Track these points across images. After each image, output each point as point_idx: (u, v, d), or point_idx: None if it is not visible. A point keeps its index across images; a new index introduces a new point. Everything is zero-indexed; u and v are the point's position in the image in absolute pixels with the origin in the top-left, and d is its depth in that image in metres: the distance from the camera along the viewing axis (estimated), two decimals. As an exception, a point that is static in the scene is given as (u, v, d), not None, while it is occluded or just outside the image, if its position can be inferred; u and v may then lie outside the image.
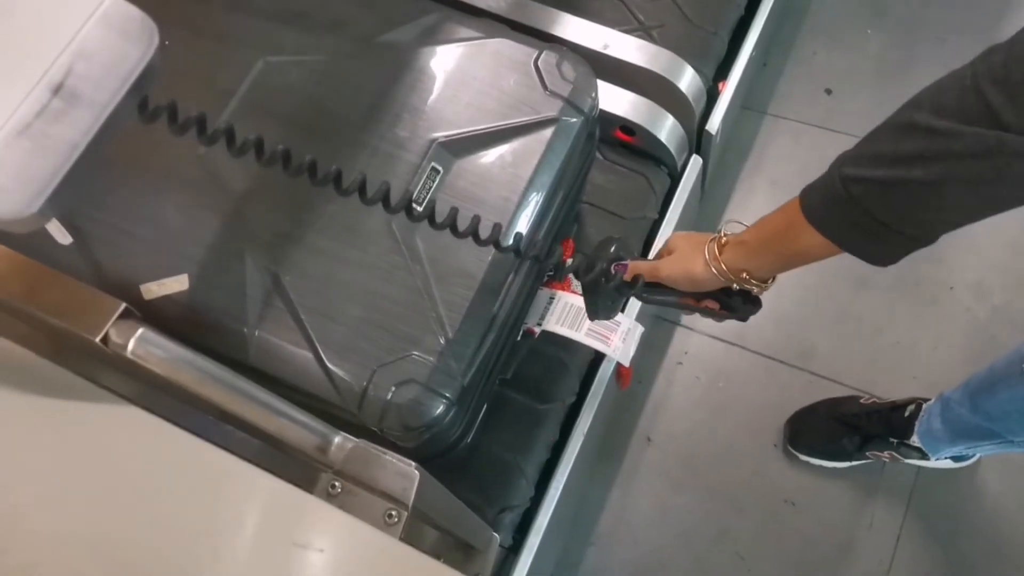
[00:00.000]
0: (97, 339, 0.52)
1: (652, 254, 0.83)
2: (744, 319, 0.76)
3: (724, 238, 0.73)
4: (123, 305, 0.53)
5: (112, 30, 0.34)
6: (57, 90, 0.33)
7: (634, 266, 0.77)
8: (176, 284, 0.76)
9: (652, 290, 0.77)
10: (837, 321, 1.37)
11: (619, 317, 0.91)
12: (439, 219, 0.63)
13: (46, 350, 0.52)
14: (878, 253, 0.59)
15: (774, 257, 0.68)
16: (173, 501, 0.50)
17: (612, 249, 0.77)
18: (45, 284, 0.54)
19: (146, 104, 0.38)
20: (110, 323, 0.53)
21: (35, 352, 0.52)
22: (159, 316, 0.77)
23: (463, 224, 0.64)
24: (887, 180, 0.54)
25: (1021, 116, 0.47)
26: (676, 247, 0.77)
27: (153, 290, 0.77)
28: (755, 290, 0.73)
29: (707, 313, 0.77)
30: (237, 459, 0.53)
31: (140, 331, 0.53)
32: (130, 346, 0.52)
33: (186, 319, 0.78)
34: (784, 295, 1.38)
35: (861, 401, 1.28)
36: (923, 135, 0.52)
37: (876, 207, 0.55)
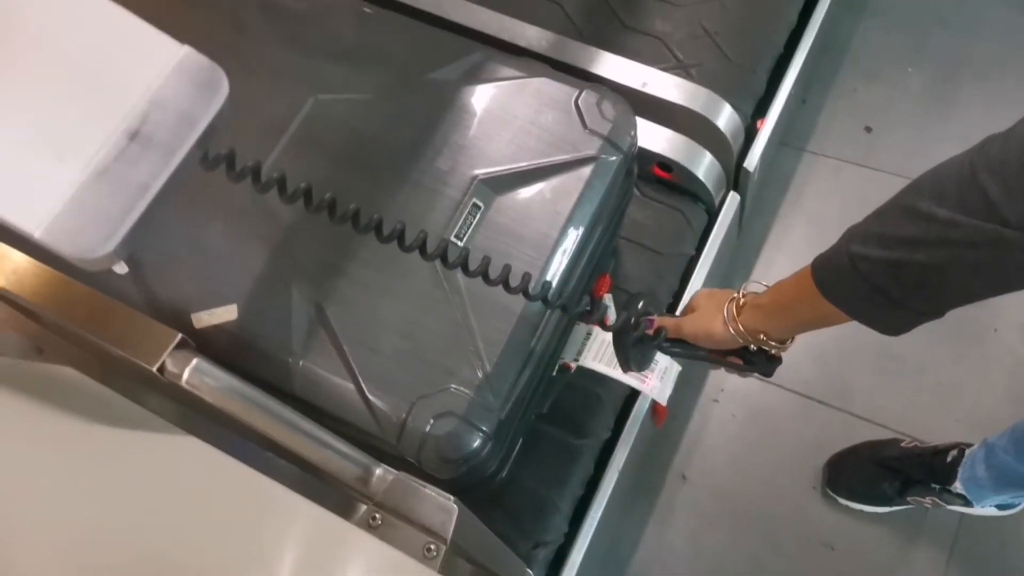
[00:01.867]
0: (154, 368, 0.54)
1: (685, 297, 0.85)
2: (767, 375, 0.78)
3: (743, 299, 0.75)
4: (179, 336, 0.55)
5: (185, 79, 0.36)
6: (134, 136, 0.35)
7: (660, 321, 0.80)
8: (225, 314, 0.79)
9: (677, 345, 0.80)
10: (877, 360, 1.35)
11: (657, 356, 0.91)
12: (472, 267, 0.65)
13: (97, 374, 0.55)
14: (888, 325, 0.61)
15: (789, 321, 0.71)
16: (219, 525, 0.51)
17: (640, 304, 0.79)
18: (106, 313, 0.56)
19: (207, 154, 0.40)
20: (167, 353, 0.55)
21: (92, 377, 0.54)
22: (209, 344, 0.79)
23: (494, 273, 0.66)
24: (892, 261, 0.56)
25: (1018, 209, 0.49)
26: (699, 305, 0.80)
27: (204, 319, 0.79)
28: (773, 350, 0.75)
29: (731, 368, 0.80)
30: (281, 486, 0.54)
31: (195, 361, 0.55)
32: (185, 375, 0.54)
33: (234, 348, 0.80)
34: (823, 332, 1.36)
35: (902, 444, 1.26)
36: (925, 221, 0.54)
37: (883, 285, 0.58)
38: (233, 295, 0.81)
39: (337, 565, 0.49)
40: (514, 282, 0.68)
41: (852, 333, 1.39)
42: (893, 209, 0.58)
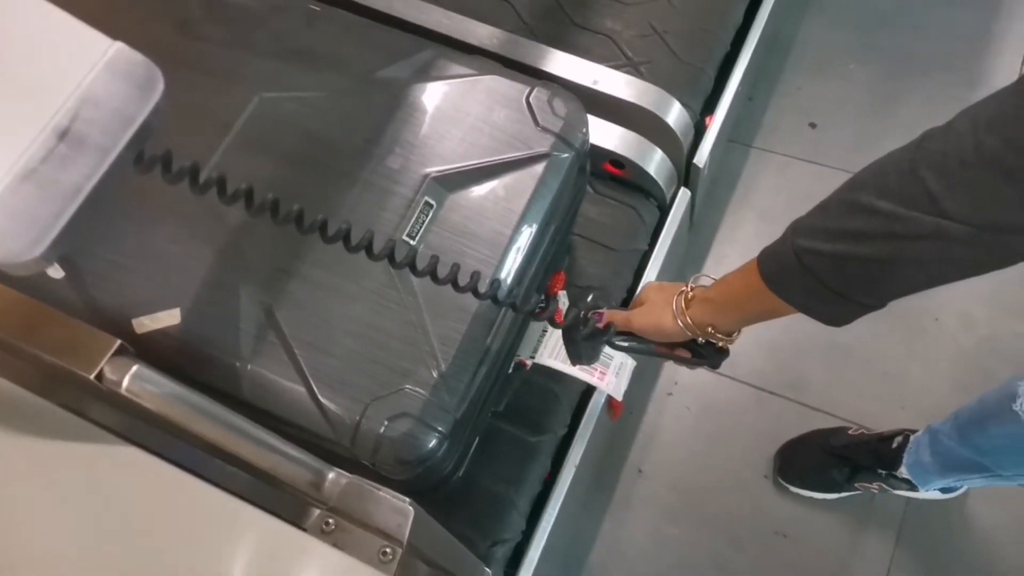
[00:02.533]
0: (92, 376, 0.52)
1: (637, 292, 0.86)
2: (715, 367, 0.79)
3: (691, 293, 0.76)
4: (117, 342, 0.53)
5: (118, 76, 0.35)
6: (63, 135, 0.33)
7: (609, 315, 0.80)
8: (168, 318, 0.77)
9: (626, 338, 0.80)
10: (827, 351, 1.38)
11: (611, 352, 0.91)
12: (420, 266, 0.64)
13: (36, 385, 0.52)
14: (832, 316, 0.62)
15: (737, 314, 0.72)
16: (164, 537, 0.50)
17: (590, 298, 0.81)
18: (41, 321, 0.54)
19: (141, 155, 0.39)
20: (105, 360, 0.53)
21: (26, 388, 0.52)
22: (152, 350, 0.77)
23: (443, 272, 0.66)
24: (836, 254, 0.57)
25: (958, 203, 0.50)
26: (648, 299, 0.80)
27: (145, 324, 0.77)
28: (720, 343, 0.76)
29: (680, 361, 0.81)
30: (229, 495, 0.53)
31: (135, 368, 0.53)
32: (125, 383, 0.52)
33: (179, 353, 0.78)
34: (774, 325, 1.39)
35: (850, 432, 1.29)
36: (868, 215, 0.55)
37: (828, 277, 0.59)
38: (177, 299, 0.79)
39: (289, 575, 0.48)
40: (463, 281, 0.68)
41: (802, 326, 1.42)
42: (836, 203, 0.59)
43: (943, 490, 1.25)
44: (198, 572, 0.48)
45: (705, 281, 0.77)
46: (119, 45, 0.36)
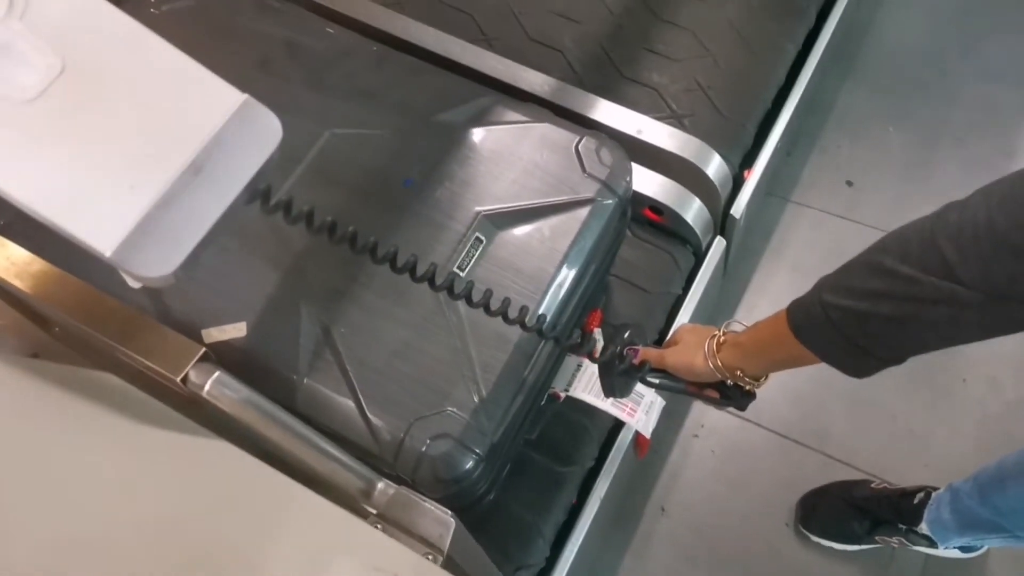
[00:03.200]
0: (178, 378, 0.58)
1: (671, 333, 0.91)
2: (741, 409, 0.84)
3: (723, 337, 0.80)
4: (202, 349, 0.59)
5: (245, 124, 0.41)
6: (198, 172, 0.40)
7: (644, 352, 0.85)
8: (234, 331, 0.83)
9: (658, 375, 0.85)
10: (853, 404, 1.41)
11: (642, 390, 0.96)
12: (475, 299, 0.70)
13: (142, 383, 0.59)
14: (855, 367, 0.66)
15: (764, 360, 0.76)
16: (257, 524, 0.54)
17: (627, 335, 0.86)
18: (136, 327, 0.60)
19: (268, 195, 0.46)
20: (191, 364, 0.59)
21: (135, 385, 0.58)
22: (217, 359, 0.84)
23: (495, 305, 0.71)
24: (859, 311, 0.62)
25: (971, 273, 0.54)
26: (681, 339, 0.85)
27: (213, 335, 0.83)
28: (747, 387, 0.80)
29: (708, 400, 0.85)
30: (303, 487, 0.58)
31: (216, 374, 0.59)
32: (207, 387, 0.58)
33: (242, 364, 0.84)
34: (800, 374, 1.42)
35: (872, 486, 1.31)
36: (889, 277, 0.59)
37: (851, 332, 0.63)
38: (243, 313, 0.86)
39: (374, 561, 0.53)
40: (512, 314, 0.73)
41: (828, 377, 1.44)
42: (862, 264, 0.63)
43: (963, 548, 1.26)
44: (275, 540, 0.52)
45: (736, 327, 0.82)
46: (246, 97, 0.42)
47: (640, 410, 0.96)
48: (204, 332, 0.85)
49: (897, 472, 1.33)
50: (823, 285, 0.66)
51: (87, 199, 0.39)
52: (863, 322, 0.62)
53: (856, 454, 1.36)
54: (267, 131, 0.42)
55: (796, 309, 0.69)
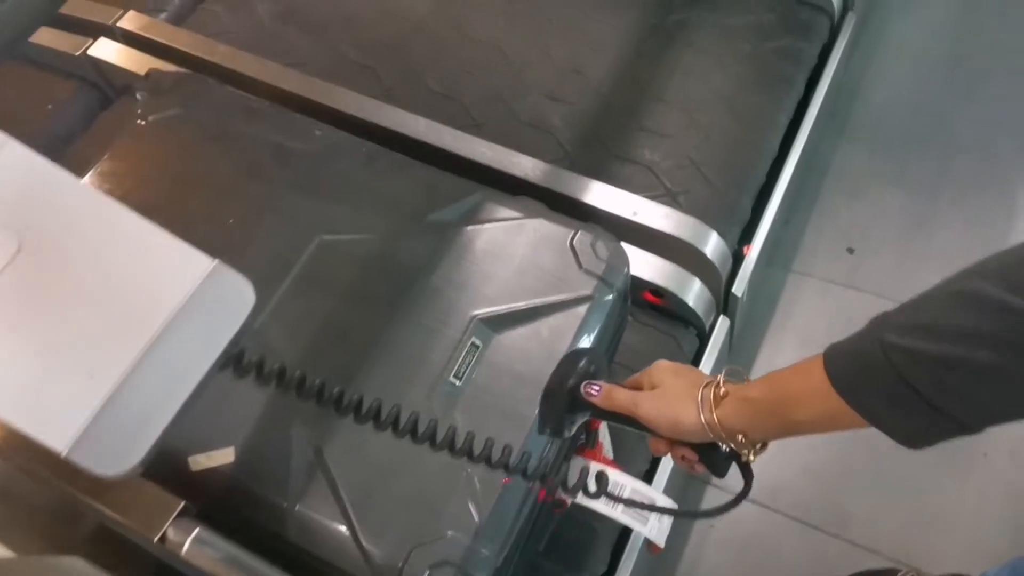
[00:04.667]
0: (155, 538, 0.54)
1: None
2: (719, 476, 0.67)
3: (723, 387, 0.63)
4: (181, 503, 0.55)
5: (213, 293, 0.39)
6: (158, 356, 0.37)
7: (609, 391, 0.69)
8: (222, 457, 0.79)
9: (622, 420, 0.69)
10: (872, 484, 1.35)
11: (651, 493, 0.91)
12: (457, 444, 0.65)
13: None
14: (914, 435, 0.51)
15: (781, 421, 0.59)
16: None
17: (582, 364, 0.72)
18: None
19: (240, 359, 0.43)
20: (169, 522, 0.55)
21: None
22: (205, 488, 0.79)
23: (477, 449, 0.66)
24: (943, 357, 0.47)
25: None
26: (662, 383, 0.67)
27: (201, 462, 0.79)
28: (745, 456, 0.63)
29: (681, 462, 0.68)
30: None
31: (196, 531, 0.55)
32: (186, 546, 0.54)
33: (230, 491, 0.79)
34: (818, 451, 1.37)
35: (900, 575, 1.24)
36: (993, 312, 0.45)
37: (925, 385, 0.48)
38: (231, 437, 0.82)
39: None
40: (496, 455, 0.67)
41: (847, 456, 1.38)
42: (946, 297, 0.49)
43: (1003, 640, 1.19)
44: None
45: (736, 376, 0.65)
46: (216, 263, 0.39)
47: (653, 517, 0.91)
48: (191, 459, 0.81)
49: (925, 557, 1.26)
50: (885, 323, 0.51)
51: (40, 391, 0.36)
52: (945, 372, 0.47)
53: (880, 539, 1.30)
54: (239, 298, 0.39)
55: (840, 356, 0.54)
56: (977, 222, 1.58)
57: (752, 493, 1.36)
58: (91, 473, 0.36)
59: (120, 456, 0.36)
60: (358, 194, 0.99)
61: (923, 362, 0.48)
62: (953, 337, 0.47)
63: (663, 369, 0.69)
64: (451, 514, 0.79)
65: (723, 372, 0.65)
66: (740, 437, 0.62)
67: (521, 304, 0.90)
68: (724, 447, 0.63)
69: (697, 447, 0.66)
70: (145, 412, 0.36)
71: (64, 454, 0.35)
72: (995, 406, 0.49)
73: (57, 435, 0.35)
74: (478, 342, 0.88)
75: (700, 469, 0.68)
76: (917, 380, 0.49)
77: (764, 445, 0.64)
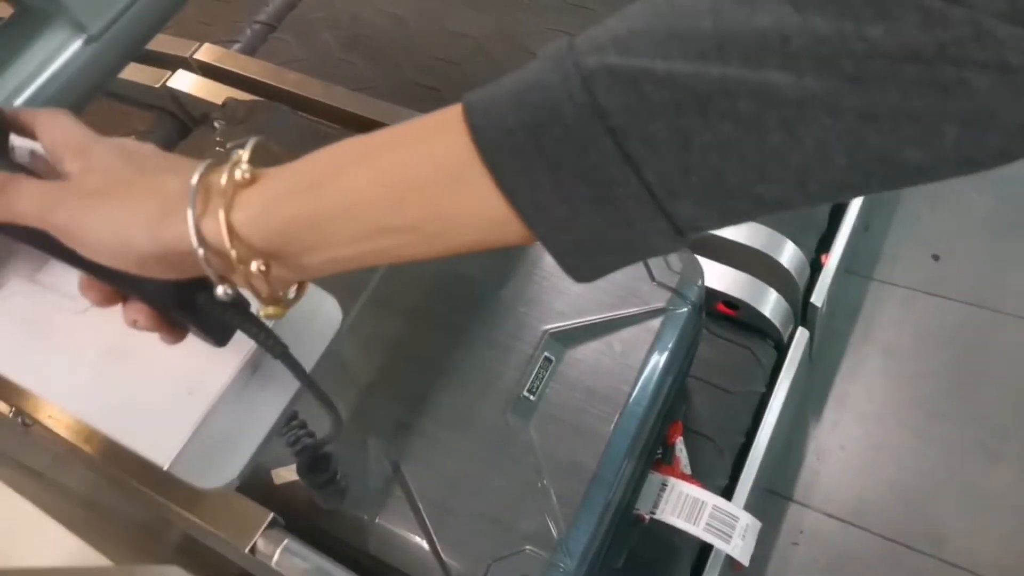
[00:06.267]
0: (246, 549, 0.56)
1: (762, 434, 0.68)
2: (220, 343, 0.39)
3: (243, 170, 0.35)
4: (271, 515, 0.57)
5: (302, 311, 0.40)
6: (256, 370, 0.38)
7: (4, 186, 0.36)
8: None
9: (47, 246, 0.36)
10: (968, 499, 1.28)
11: (732, 510, 0.89)
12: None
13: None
14: (599, 231, 0.31)
15: (359, 232, 0.33)
16: None
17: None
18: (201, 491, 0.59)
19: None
20: (259, 533, 0.56)
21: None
22: (287, 500, 0.81)
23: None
24: (698, 82, 0.27)
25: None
26: (106, 167, 0.36)
27: (283, 476, 0.81)
28: (269, 305, 0.36)
29: (128, 321, 0.38)
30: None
31: (285, 542, 0.56)
32: (275, 557, 0.56)
33: (312, 504, 0.81)
34: (907, 467, 1.31)
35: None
36: (778, 3, 0.27)
37: (650, 133, 0.28)
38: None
39: None
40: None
41: (940, 469, 1.32)
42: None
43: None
44: None
45: (244, 155, 0.35)
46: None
47: (736, 534, 0.88)
48: (274, 472, 0.83)
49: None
50: (580, 44, 0.30)
51: (143, 409, 0.38)
52: (698, 110, 0.28)
53: (979, 558, 1.23)
54: (327, 315, 0.40)
55: (491, 101, 0.31)
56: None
57: (838, 512, 1.32)
58: (191, 486, 0.37)
59: (219, 470, 0.38)
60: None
61: (654, 90, 0.28)
62: (718, 49, 0.27)
63: (106, 147, 0.37)
64: (529, 530, 0.79)
65: (246, 146, 0.36)
66: (264, 264, 0.34)
67: (593, 318, 0.90)
68: (222, 289, 0.35)
69: (182, 290, 0.36)
70: (241, 427, 0.38)
71: (166, 468, 0.37)
72: (758, 172, 0.29)
73: (159, 450, 0.37)
74: (551, 356, 0.88)
75: (178, 335, 0.39)
76: (633, 124, 0.28)
77: (301, 290, 0.38)
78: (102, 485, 0.80)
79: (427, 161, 0.32)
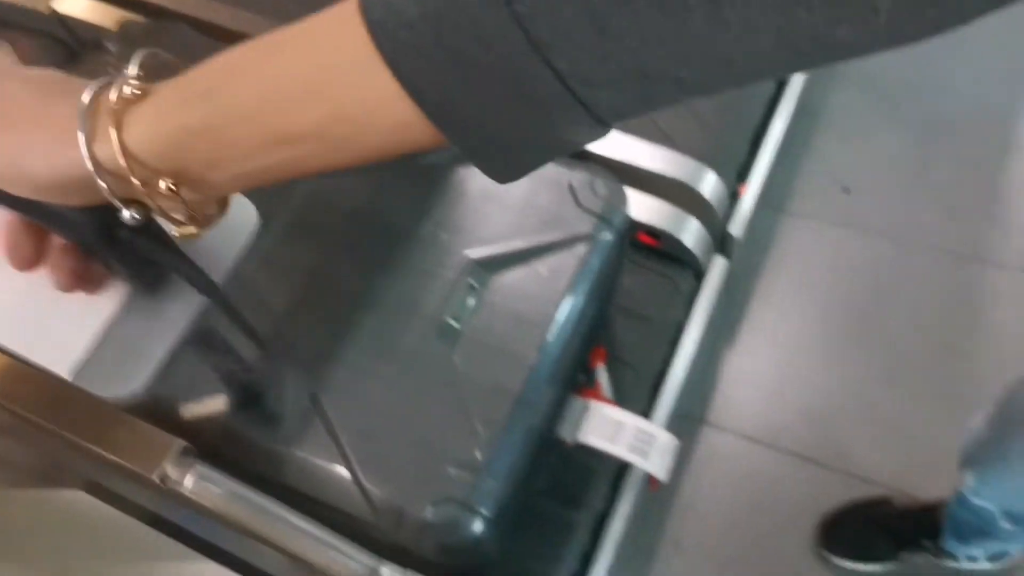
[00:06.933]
0: (155, 476, 0.53)
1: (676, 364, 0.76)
2: (148, 286, 0.37)
3: (132, 86, 0.33)
4: (180, 442, 0.54)
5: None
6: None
7: None
8: (214, 404, 0.78)
9: None
10: (868, 417, 1.36)
11: (652, 429, 0.91)
12: None
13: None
14: (505, 143, 0.30)
15: (264, 138, 0.31)
16: None
17: None
18: (106, 421, 0.55)
19: None
20: (167, 459, 0.54)
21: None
22: (202, 436, 0.78)
23: None
24: None
25: None
26: (6, 93, 0.35)
27: (192, 409, 0.78)
28: (181, 221, 0.33)
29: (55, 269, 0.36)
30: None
31: (196, 468, 0.54)
32: (187, 483, 0.53)
33: (223, 439, 0.78)
34: (815, 391, 1.38)
35: (894, 502, 1.26)
36: None
37: (561, 19, 0.26)
38: (222, 385, 0.80)
39: None
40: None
41: (841, 391, 1.39)
42: None
43: (991, 558, 1.21)
44: None
45: (132, 71, 0.34)
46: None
47: (654, 452, 0.91)
48: (182, 406, 0.80)
49: (921, 486, 1.28)
50: None
51: (43, 317, 0.34)
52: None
53: (877, 470, 1.32)
54: (244, 219, 0.37)
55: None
56: (968, 163, 1.58)
57: (748, 430, 1.37)
58: (96, 397, 0.35)
59: (124, 379, 0.35)
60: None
61: None
62: None
63: (14, 78, 0.35)
64: (452, 452, 0.78)
65: (133, 62, 0.34)
66: (167, 185, 0.32)
67: (518, 244, 0.89)
68: (128, 214, 0.32)
69: (78, 223, 0.33)
70: (147, 335, 0.35)
71: (70, 378, 0.34)
72: (676, 56, 0.26)
73: (62, 360, 0.34)
74: (475, 283, 0.86)
75: (95, 287, 0.36)
76: (545, 14, 0.26)
77: (222, 208, 0.35)
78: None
79: (323, 61, 0.30)
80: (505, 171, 0.33)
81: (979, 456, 1.04)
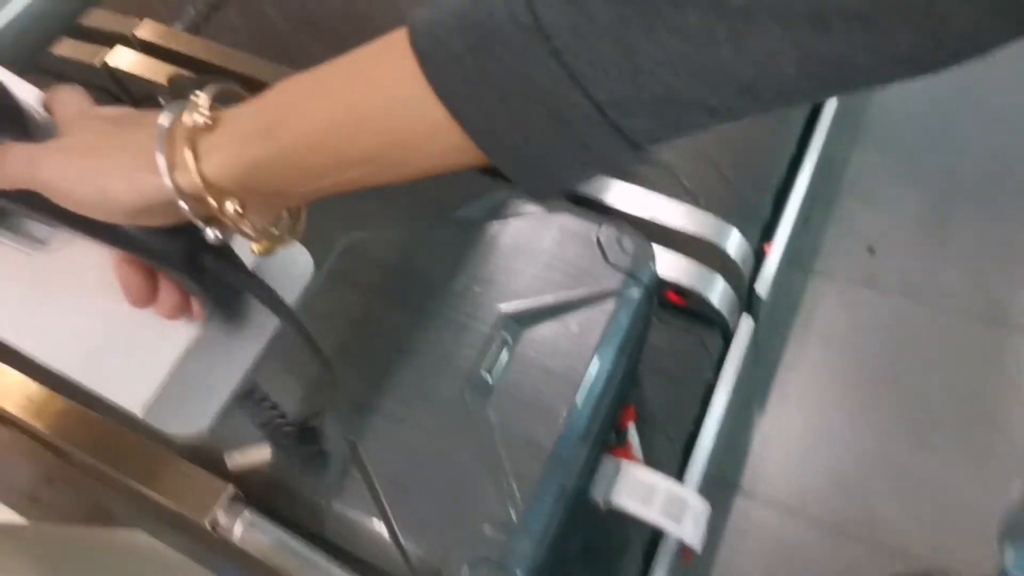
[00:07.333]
0: (206, 522, 0.54)
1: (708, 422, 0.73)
2: (226, 312, 0.40)
3: (207, 116, 0.35)
4: (230, 488, 0.55)
5: (275, 260, 0.39)
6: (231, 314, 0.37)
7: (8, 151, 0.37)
8: (259, 454, 0.78)
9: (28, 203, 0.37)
10: (900, 485, 1.33)
11: (684, 494, 0.90)
12: None
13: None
14: (546, 165, 0.32)
15: (326, 165, 0.34)
16: None
17: None
18: (159, 464, 0.56)
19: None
20: (218, 505, 0.54)
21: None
22: (240, 485, 0.78)
23: None
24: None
25: None
26: (85, 128, 0.37)
27: (236, 459, 0.79)
28: (256, 243, 0.37)
29: (126, 290, 0.38)
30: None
31: (246, 516, 0.54)
32: (237, 531, 0.54)
33: (267, 489, 0.79)
34: (844, 455, 1.36)
35: None
36: None
37: (597, 52, 0.28)
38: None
39: None
40: None
41: (872, 457, 1.37)
42: None
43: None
44: None
45: (204, 101, 0.36)
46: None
47: (687, 517, 0.89)
48: (227, 455, 0.80)
49: (958, 556, 1.25)
50: None
51: (114, 354, 0.36)
52: (641, 21, 0.27)
53: (912, 540, 1.28)
54: (299, 266, 0.39)
55: (434, 25, 0.31)
56: (989, 220, 1.59)
57: (781, 498, 1.35)
58: (165, 433, 0.36)
59: (193, 416, 0.36)
60: (383, 191, 1.00)
61: (599, 9, 0.27)
62: None
63: (95, 114, 0.39)
64: (488, 510, 0.78)
65: (182, 108, 0.36)
66: (234, 207, 0.35)
67: (549, 299, 0.90)
68: (213, 233, 0.35)
69: (174, 241, 0.36)
70: (216, 372, 0.36)
71: (140, 416, 0.35)
72: (702, 86, 0.29)
73: (132, 396, 0.35)
74: (508, 337, 0.88)
75: (192, 312, 0.38)
76: (580, 45, 0.28)
77: (296, 219, 0.40)
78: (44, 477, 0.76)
79: (376, 92, 0.33)
80: (544, 190, 0.35)
81: (1020, 529, 1.01)
